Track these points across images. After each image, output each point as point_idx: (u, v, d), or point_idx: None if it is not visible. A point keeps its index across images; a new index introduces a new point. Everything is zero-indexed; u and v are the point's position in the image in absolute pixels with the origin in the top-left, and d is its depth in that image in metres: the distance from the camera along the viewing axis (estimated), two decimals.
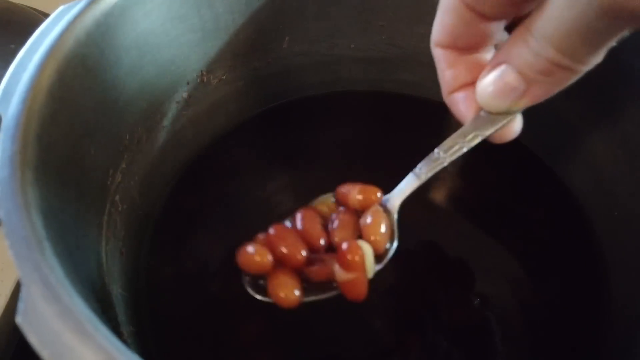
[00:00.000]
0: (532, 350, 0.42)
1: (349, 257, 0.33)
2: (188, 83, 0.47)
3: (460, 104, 0.32)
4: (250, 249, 0.35)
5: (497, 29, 0.30)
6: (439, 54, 0.32)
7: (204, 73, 0.48)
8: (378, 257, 0.35)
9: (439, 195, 0.49)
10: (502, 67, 0.28)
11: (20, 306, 0.27)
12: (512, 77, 0.27)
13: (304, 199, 0.46)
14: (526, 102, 0.28)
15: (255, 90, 0.52)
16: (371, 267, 0.34)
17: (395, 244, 0.36)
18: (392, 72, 0.53)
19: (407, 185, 0.36)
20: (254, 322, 0.43)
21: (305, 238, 0.35)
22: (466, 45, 0.31)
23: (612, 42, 0.24)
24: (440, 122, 0.41)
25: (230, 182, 0.50)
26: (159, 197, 0.48)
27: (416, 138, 0.43)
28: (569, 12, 0.23)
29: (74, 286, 0.29)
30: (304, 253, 0.34)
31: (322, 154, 0.51)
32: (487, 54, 0.31)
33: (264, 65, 0.51)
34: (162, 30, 0.43)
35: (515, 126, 0.32)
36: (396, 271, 0.42)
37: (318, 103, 0.54)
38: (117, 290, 0.39)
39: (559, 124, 0.48)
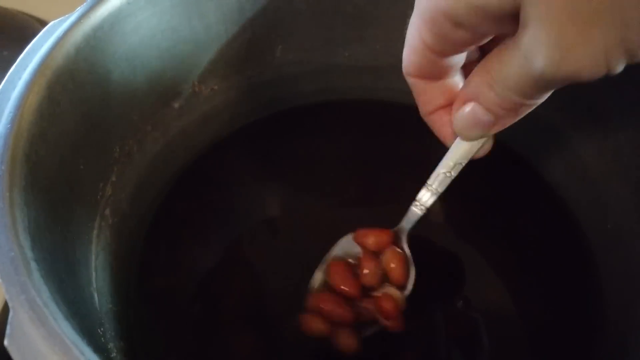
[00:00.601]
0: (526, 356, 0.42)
1: (385, 307, 0.39)
2: (179, 94, 0.47)
3: (439, 127, 0.35)
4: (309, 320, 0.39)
5: (460, 59, 0.33)
6: (411, 82, 0.35)
7: (196, 83, 0.47)
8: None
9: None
10: (472, 105, 0.31)
11: (8, 329, 0.27)
12: (481, 113, 0.31)
13: (298, 209, 0.46)
14: (497, 129, 0.32)
15: (248, 99, 0.52)
16: (402, 304, 0.39)
17: (413, 272, 0.40)
18: (387, 81, 0.52)
19: (411, 218, 0.40)
20: (246, 338, 0.42)
21: (345, 294, 0.40)
22: (433, 76, 0.34)
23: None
24: None
25: (223, 193, 0.49)
26: (150, 209, 0.47)
27: (411, 147, 0.43)
28: (522, 70, 0.27)
29: (61, 308, 0.29)
30: (348, 312, 0.39)
31: (316, 163, 0.51)
32: (456, 78, 0.34)
33: (257, 74, 0.51)
34: (153, 43, 0.42)
35: (489, 145, 0.35)
36: None
37: (312, 112, 0.54)
38: (107, 306, 0.39)
39: (552, 134, 0.47)
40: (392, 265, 0.40)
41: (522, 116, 0.31)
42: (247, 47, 0.48)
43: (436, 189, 0.38)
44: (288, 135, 0.53)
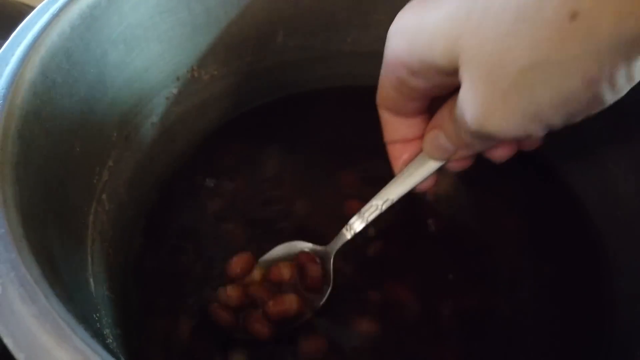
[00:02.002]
0: (536, 351, 0.42)
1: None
2: (178, 78, 0.46)
3: (393, 157, 0.40)
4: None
5: (424, 104, 0.37)
6: (380, 112, 0.40)
7: (195, 68, 0.47)
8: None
9: (440, 198, 0.48)
10: (437, 132, 0.36)
11: None
12: (444, 141, 0.36)
13: (298, 194, 0.47)
14: (458, 156, 0.37)
15: (248, 85, 0.51)
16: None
17: (328, 289, 0.42)
18: None
19: (340, 241, 0.42)
20: (242, 325, 0.41)
21: None
22: (399, 114, 0.38)
23: None
24: None
25: (222, 180, 0.49)
26: (148, 196, 0.47)
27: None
28: (461, 120, 0.31)
29: (53, 287, 0.28)
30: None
31: (318, 149, 0.51)
32: (419, 119, 0.38)
33: (258, 60, 0.50)
34: (151, 24, 0.42)
35: (429, 183, 0.40)
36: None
37: (314, 98, 0.53)
38: (103, 292, 0.38)
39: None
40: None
41: (476, 152, 0.36)
42: (248, 32, 0.48)
43: (367, 218, 0.41)
44: (289, 122, 0.53)
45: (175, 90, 0.47)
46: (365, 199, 0.42)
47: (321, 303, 0.42)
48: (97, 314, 0.36)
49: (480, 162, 0.38)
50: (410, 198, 0.40)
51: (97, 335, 0.33)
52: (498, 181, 0.42)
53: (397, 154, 0.40)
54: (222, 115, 0.51)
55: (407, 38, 0.32)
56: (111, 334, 0.36)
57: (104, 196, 0.41)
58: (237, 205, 0.48)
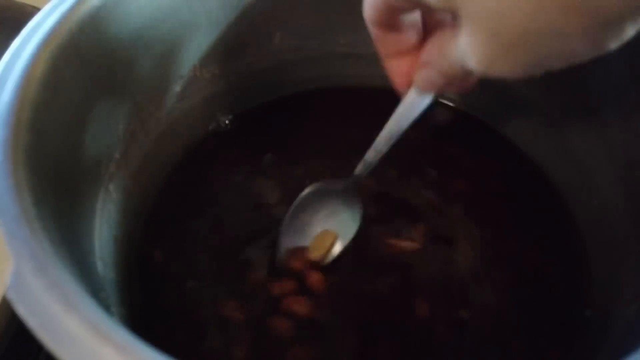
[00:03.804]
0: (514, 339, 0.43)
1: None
2: (181, 77, 0.48)
3: (394, 73, 0.39)
4: None
5: (413, 19, 0.36)
6: (371, 30, 0.38)
7: (197, 67, 0.49)
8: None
9: (420, 188, 0.49)
10: (427, 68, 0.36)
11: (11, 280, 0.28)
12: (435, 76, 0.36)
13: (294, 192, 0.47)
14: (452, 89, 0.39)
15: (248, 84, 0.53)
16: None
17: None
18: (382, 68, 0.53)
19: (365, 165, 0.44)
20: (245, 310, 0.43)
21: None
22: (390, 29, 0.37)
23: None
24: (429, 116, 0.42)
25: (223, 173, 0.50)
26: (153, 187, 0.49)
27: (406, 132, 0.43)
28: (460, 61, 0.31)
29: (63, 262, 0.30)
30: None
31: (314, 148, 0.52)
32: (411, 34, 0.37)
33: (256, 60, 0.52)
34: (155, 25, 0.44)
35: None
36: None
37: (310, 98, 0.55)
38: (110, 275, 0.40)
39: (540, 116, 0.48)
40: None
41: (474, 81, 0.36)
42: (246, 33, 0.50)
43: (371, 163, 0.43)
44: (286, 121, 0.54)
45: (178, 88, 0.49)
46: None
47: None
48: (104, 294, 0.38)
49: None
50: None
51: (106, 309, 0.35)
52: (475, 172, 0.43)
53: (396, 69, 0.39)
54: (224, 112, 0.53)
55: None
56: (117, 313, 0.38)
57: (110, 186, 0.43)
58: (238, 198, 0.49)
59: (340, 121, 0.53)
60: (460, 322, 0.43)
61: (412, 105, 0.39)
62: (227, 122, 0.53)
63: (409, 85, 0.39)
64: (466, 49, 0.30)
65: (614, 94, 0.42)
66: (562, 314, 0.43)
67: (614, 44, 0.27)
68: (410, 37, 0.37)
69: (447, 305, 0.44)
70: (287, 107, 0.55)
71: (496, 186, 0.48)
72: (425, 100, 0.39)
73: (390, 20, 0.36)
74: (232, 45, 0.50)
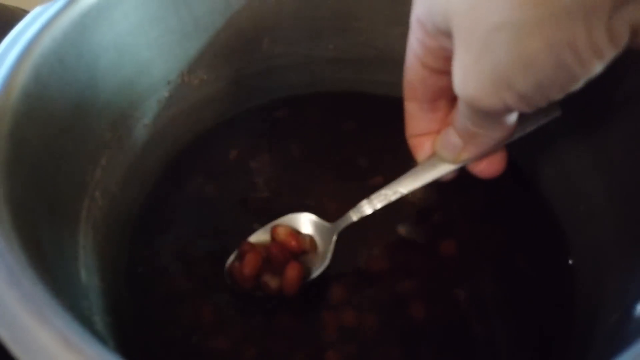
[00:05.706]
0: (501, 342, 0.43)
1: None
2: (169, 83, 0.48)
3: (415, 148, 0.41)
4: None
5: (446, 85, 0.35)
6: (406, 106, 0.40)
7: (185, 73, 0.49)
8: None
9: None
10: (449, 128, 0.37)
11: None
12: (453, 136, 0.37)
13: (280, 198, 0.48)
14: (466, 156, 0.38)
15: (236, 90, 0.53)
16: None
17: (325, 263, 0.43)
18: (370, 73, 0.54)
19: (346, 221, 0.44)
20: (233, 316, 0.43)
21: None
22: (425, 97, 0.38)
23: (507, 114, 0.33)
24: None
25: (210, 179, 0.50)
26: (140, 193, 0.49)
27: (394, 138, 0.44)
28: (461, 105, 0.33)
29: (38, 273, 0.30)
30: None
31: (302, 153, 0.52)
32: (443, 113, 0.39)
33: (245, 66, 0.52)
34: (141, 31, 0.44)
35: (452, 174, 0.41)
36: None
37: (299, 103, 0.55)
38: (94, 282, 0.40)
39: None
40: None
41: (485, 148, 0.37)
42: (235, 39, 0.50)
43: (375, 205, 0.42)
44: (275, 126, 0.54)
45: (166, 94, 0.49)
46: (348, 201, 0.44)
47: (312, 277, 0.43)
48: (88, 301, 0.38)
49: None
50: None
51: (84, 319, 0.35)
52: (460, 178, 0.43)
53: (419, 144, 0.41)
54: (212, 118, 0.53)
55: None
56: (101, 321, 0.38)
57: (97, 193, 0.43)
58: (225, 204, 0.49)
59: (329, 126, 0.54)
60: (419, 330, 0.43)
61: (431, 169, 0.41)
62: (215, 128, 0.53)
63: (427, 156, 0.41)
64: (453, 69, 0.30)
65: (599, 100, 0.42)
66: (546, 322, 0.43)
67: (578, 69, 0.27)
68: (440, 118, 0.39)
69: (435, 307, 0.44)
70: (277, 112, 0.55)
71: (481, 192, 0.48)
72: (444, 169, 0.40)
73: (426, 84, 0.37)
74: (220, 51, 0.50)
